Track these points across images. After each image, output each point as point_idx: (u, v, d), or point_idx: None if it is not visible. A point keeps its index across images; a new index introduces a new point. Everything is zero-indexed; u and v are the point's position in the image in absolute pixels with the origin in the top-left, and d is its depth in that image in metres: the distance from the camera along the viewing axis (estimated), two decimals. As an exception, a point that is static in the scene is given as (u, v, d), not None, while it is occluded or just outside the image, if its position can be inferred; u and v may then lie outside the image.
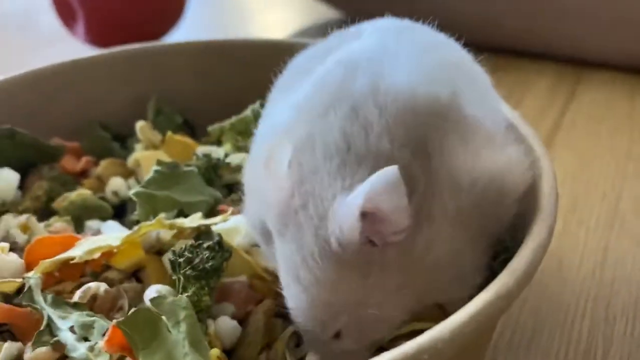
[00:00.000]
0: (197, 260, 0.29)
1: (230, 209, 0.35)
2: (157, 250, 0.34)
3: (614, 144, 0.60)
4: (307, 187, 0.25)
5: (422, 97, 0.26)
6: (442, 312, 0.29)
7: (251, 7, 1.00)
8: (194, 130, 0.47)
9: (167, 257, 0.31)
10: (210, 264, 0.29)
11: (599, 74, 0.71)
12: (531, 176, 0.28)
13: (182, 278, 0.29)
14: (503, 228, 0.28)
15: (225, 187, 0.40)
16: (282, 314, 0.32)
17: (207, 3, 0.96)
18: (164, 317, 0.27)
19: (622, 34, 0.68)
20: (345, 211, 0.23)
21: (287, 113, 0.29)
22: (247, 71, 0.46)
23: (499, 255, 0.29)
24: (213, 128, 0.44)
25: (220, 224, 0.33)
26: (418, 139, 0.25)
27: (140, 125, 0.44)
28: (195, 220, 0.33)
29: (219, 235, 0.31)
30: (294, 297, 0.27)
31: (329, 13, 0.85)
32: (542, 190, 0.28)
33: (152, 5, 0.72)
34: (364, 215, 0.23)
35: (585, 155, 0.58)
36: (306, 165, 0.25)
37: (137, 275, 0.34)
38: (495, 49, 0.72)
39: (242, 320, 0.31)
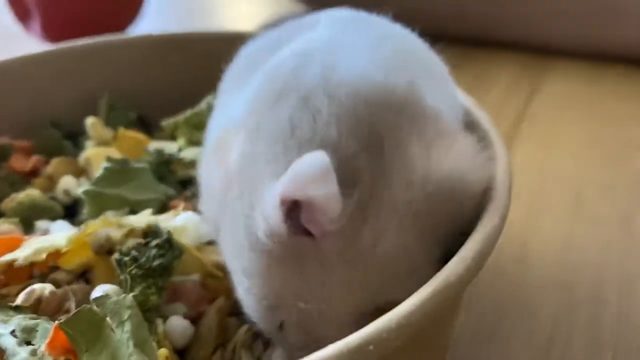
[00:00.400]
0: (143, 258, 0.28)
1: (182, 205, 0.34)
2: (108, 249, 0.33)
3: (578, 132, 0.60)
4: (244, 176, 0.24)
5: (377, 88, 0.25)
6: None
7: (219, 0, 0.99)
8: (149, 126, 0.46)
9: (115, 256, 0.30)
10: (158, 262, 0.28)
11: (561, 64, 0.72)
12: (489, 175, 0.27)
13: (128, 277, 0.28)
14: (461, 224, 0.26)
15: (179, 183, 0.39)
16: (236, 312, 0.31)
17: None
18: (108, 317, 0.25)
19: (585, 23, 0.69)
20: (269, 200, 0.22)
21: (241, 107, 0.28)
22: (203, 64, 0.44)
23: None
24: (167, 123, 0.43)
25: (171, 222, 0.32)
26: (370, 130, 0.24)
27: (90, 121, 0.42)
28: (143, 217, 0.32)
29: (169, 232, 0.30)
30: (237, 288, 0.26)
31: (296, 6, 0.84)
32: (496, 177, 0.28)
33: (108, 0, 0.71)
34: (294, 203, 0.22)
35: (550, 143, 0.58)
36: (248, 154, 0.25)
37: (87, 276, 0.33)
38: (458, 39, 0.72)
39: (195, 320, 0.30)
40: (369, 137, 0.24)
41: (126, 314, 0.25)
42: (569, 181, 0.53)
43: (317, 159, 0.21)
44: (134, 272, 0.28)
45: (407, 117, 0.25)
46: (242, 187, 0.24)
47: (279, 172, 0.22)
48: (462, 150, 0.27)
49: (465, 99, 0.35)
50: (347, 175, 0.22)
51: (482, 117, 0.33)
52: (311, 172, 0.21)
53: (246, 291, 0.25)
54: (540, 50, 0.73)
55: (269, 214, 0.22)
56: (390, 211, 0.24)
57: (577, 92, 0.67)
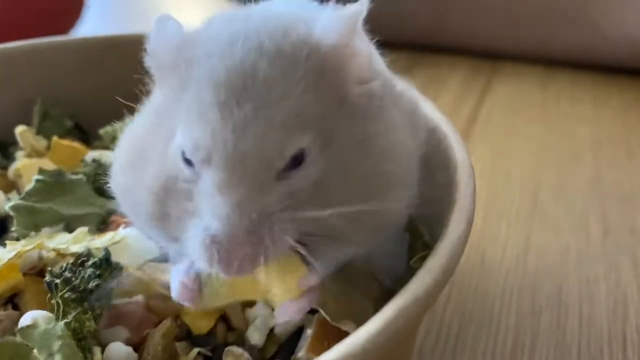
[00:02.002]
0: (77, 281, 0.25)
1: (123, 221, 0.31)
2: (40, 270, 0.30)
3: (530, 134, 0.60)
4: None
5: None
6: (378, 284, 0.27)
7: (169, 4, 0.96)
8: (87, 134, 0.43)
9: (46, 279, 0.27)
10: (94, 283, 0.25)
11: (512, 67, 0.72)
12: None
13: (60, 302, 0.25)
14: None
15: (120, 195, 0.36)
16: (185, 336, 0.28)
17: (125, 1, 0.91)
18: (35, 350, 0.23)
19: (535, 28, 0.69)
20: None
21: None
22: (143, 67, 0.42)
23: (417, 251, 0.27)
24: (105, 130, 0.40)
25: (110, 239, 0.30)
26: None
27: (20, 130, 0.39)
28: (80, 239, 0.29)
29: (106, 250, 0.27)
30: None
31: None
32: (459, 182, 0.26)
33: (45, 4, 0.67)
34: None
35: (502, 147, 0.58)
36: None
37: (15, 301, 0.29)
38: (408, 45, 0.72)
39: (139, 346, 0.27)
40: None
41: (56, 345, 0.22)
42: (524, 184, 0.52)
43: None
44: (66, 295, 0.25)
45: None
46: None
47: None
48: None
49: (424, 103, 0.34)
50: None
51: (441, 120, 0.32)
52: None
53: None
54: (490, 54, 0.73)
55: None
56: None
57: (529, 95, 0.67)
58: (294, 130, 0.22)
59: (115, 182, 0.27)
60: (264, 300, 0.27)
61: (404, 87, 0.31)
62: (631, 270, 0.42)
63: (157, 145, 0.25)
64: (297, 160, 0.23)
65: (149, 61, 0.26)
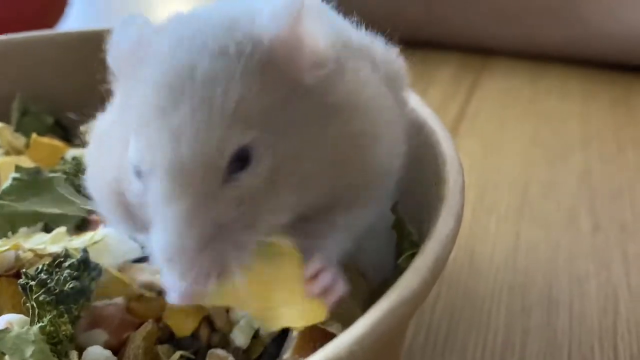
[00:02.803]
0: (52, 283, 0.24)
1: (103, 220, 0.30)
2: (17, 271, 0.29)
3: (519, 130, 0.59)
4: None
5: None
6: (365, 284, 0.27)
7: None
8: (68, 131, 0.42)
9: (20, 280, 0.26)
10: (71, 285, 0.25)
11: (501, 62, 0.71)
12: None
13: (35, 305, 0.24)
14: None
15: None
16: (167, 338, 0.27)
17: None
18: (7, 356, 0.22)
19: (523, 23, 0.69)
20: None
21: None
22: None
23: (405, 250, 0.26)
24: (87, 128, 0.39)
25: (90, 239, 0.29)
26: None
27: (-3, 127, 0.38)
28: (59, 239, 0.28)
29: (85, 251, 0.27)
30: None
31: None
32: (446, 178, 0.26)
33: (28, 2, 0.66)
34: None
35: (492, 143, 0.57)
36: None
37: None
38: (395, 40, 0.71)
39: (118, 349, 0.26)
40: None
41: (29, 350, 0.21)
42: (513, 180, 0.52)
43: None
44: (41, 298, 0.24)
45: None
46: None
47: None
48: None
49: (411, 98, 0.33)
50: None
51: (429, 115, 0.31)
52: None
53: None
54: (479, 50, 0.72)
55: None
56: None
57: (517, 90, 0.66)
58: (233, 127, 0.21)
59: (86, 176, 0.27)
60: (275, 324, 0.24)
61: (390, 56, 0.30)
62: (621, 266, 0.42)
63: (116, 147, 0.24)
64: (243, 160, 0.21)
65: (109, 59, 0.25)
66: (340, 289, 0.23)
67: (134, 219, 0.24)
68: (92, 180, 0.26)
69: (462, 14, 0.70)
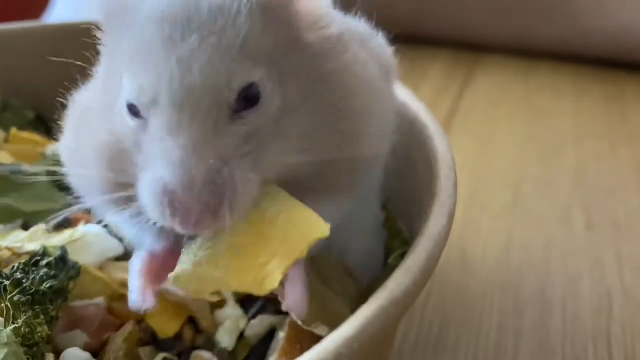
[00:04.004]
0: (28, 282, 0.23)
1: (84, 217, 0.30)
2: (-7, 271, 0.28)
3: (512, 127, 0.59)
4: None
5: None
6: (354, 283, 0.26)
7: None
8: (50, 126, 0.41)
9: (-3, 280, 0.25)
10: (48, 285, 0.24)
11: (493, 59, 0.71)
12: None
13: (10, 305, 0.23)
14: None
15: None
16: (150, 340, 0.27)
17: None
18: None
19: (516, 20, 0.68)
20: None
21: None
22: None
23: (396, 248, 0.25)
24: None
25: (69, 236, 0.28)
26: None
27: (-25, 122, 0.37)
28: (37, 237, 0.27)
29: (63, 249, 0.26)
30: None
31: None
32: (438, 174, 0.25)
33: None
34: None
35: (484, 139, 0.56)
36: None
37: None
38: (387, 35, 0.70)
39: (98, 351, 0.25)
40: None
41: (1, 353, 0.20)
42: (506, 177, 0.51)
43: None
44: (16, 298, 0.23)
45: None
46: None
47: None
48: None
49: (403, 93, 0.32)
50: None
51: (421, 111, 0.31)
52: None
53: None
54: (471, 46, 0.72)
55: None
56: None
57: (510, 87, 0.66)
58: (242, 60, 0.21)
59: (63, 145, 0.26)
60: (259, 293, 0.22)
61: (386, 49, 0.30)
62: (615, 265, 0.41)
63: (103, 106, 0.24)
64: (252, 99, 0.21)
65: (100, 9, 0.25)
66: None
67: (128, 167, 0.22)
68: (73, 148, 0.25)
69: (454, 10, 0.70)
